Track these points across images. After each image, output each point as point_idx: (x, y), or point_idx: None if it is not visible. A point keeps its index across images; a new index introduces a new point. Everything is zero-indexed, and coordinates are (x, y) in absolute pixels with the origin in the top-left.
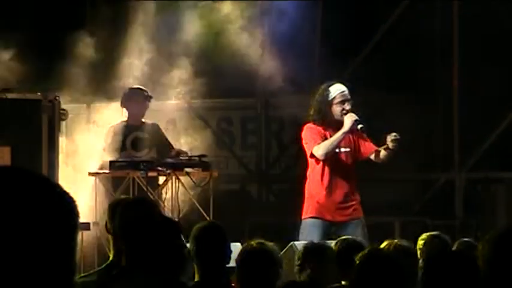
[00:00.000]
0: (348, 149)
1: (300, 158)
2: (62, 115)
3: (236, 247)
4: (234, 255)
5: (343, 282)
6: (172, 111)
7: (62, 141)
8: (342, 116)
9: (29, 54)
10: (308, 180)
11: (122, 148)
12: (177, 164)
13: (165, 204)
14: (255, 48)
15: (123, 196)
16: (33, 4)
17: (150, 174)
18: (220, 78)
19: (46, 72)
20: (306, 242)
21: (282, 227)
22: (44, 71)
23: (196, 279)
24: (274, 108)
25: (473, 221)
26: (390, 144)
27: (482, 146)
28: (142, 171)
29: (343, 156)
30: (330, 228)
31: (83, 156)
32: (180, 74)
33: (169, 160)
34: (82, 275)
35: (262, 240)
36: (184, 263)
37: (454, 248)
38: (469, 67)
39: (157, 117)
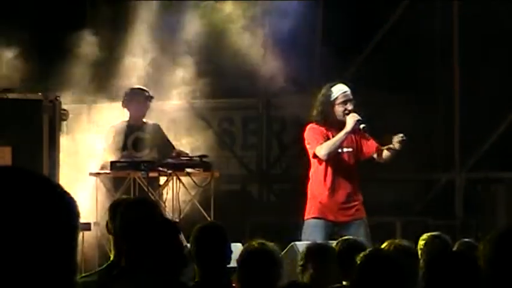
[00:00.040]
0: (350, 149)
1: (301, 158)
2: (63, 115)
3: (237, 247)
4: (235, 255)
5: (344, 283)
6: (174, 112)
7: (63, 141)
8: (344, 116)
9: (28, 54)
10: (310, 180)
11: (123, 148)
12: (178, 164)
13: (166, 204)
14: (256, 49)
15: (124, 196)
16: (33, 4)
17: (151, 174)
18: (222, 79)
19: (46, 73)
20: (307, 242)
21: (283, 227)
22: (44, 71)
23: (196, 279)
24: (275, 108)
25: (473, 221)
26: (396, 145)
27: (483, 146)
28: (143, 172)
29: (345, 157)
30: (333, 229)
31: (84, 157)
32: (182, 74)
33: (170, 160)
34: (83, 275)
35: (263, 241)
36: (184, 263)
37: (454, 248)
38: (470, 67)
39: (158, 118)
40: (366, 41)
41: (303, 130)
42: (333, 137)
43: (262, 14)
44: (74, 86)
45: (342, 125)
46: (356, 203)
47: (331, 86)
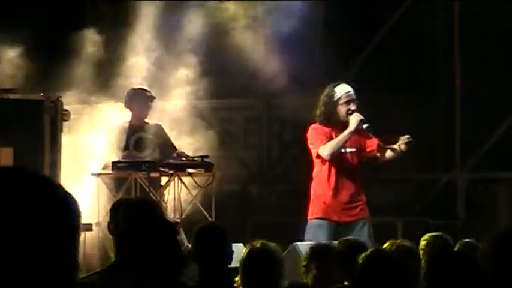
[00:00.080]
0: (353, 149)
1: (301, 159)
2: (64, 116)
3: (238, 247)
4: (236, 255)
5: (345, 283)
6: (175, 112)
7: (65, 141)
8: (347, 116)
9: (29, 54)
10: (314, 180)
11: (125, 148)
12: (179, 164)
13: (168, 205)
14: (257, 49)
15: (125, 197)
16: (34, 3)
17: (153, 174)
18: (223, 79)
19: (47, 73)
20: (309, 242)
21: (284, 228)
22: (45, 71)
23: (197, 279)
24: (276, 109)
25: (475, 221)
26: (403, 147)
27: (484, 146)
28: (144, 172)
29: (348, 157)
30: (336, 229)
31: (86, 157)
32: (183, 74)
33: (171, 161)
34: (84, 275)
35: (265, 241)
36: (183, 263)
37: (455, 249)
38: (471, 67)
39: (160, 117)
40: (368, 41)
41: (304, 130)
42: (336, 137)
43: (264, 14)
44: (76, 86)
45: (345, 125)
46: (359, 202)
47: (334, 86)
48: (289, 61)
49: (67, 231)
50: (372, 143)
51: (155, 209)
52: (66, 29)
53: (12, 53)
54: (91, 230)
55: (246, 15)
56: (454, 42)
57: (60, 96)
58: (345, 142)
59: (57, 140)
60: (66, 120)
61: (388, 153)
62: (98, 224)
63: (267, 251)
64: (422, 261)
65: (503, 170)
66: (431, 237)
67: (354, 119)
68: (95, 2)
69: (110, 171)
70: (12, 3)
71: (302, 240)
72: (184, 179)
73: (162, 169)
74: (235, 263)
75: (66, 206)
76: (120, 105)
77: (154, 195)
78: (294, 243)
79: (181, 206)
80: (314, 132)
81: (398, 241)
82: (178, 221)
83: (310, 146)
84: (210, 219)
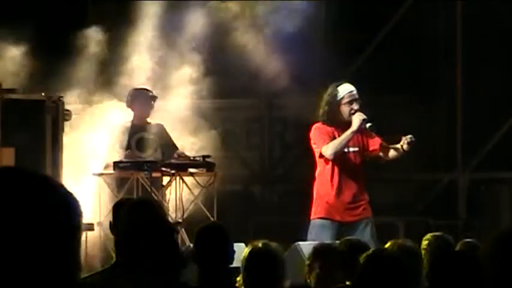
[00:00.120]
0: (356, 149)
1: (303, 159)
2: (66, 115)
3: (240, 247)
4: (238, 255)
5: (347, 283)
6: (177, 111)
7: (67, 141)
8: (350, 115)
9: (31, 53)
10: (316, 180)
11: (127, 148)
12: (181, 164)
13: (169, 204)
14: (259, 49)
15: (127, 197)
16: (35, 2)
17: (154, 174)
18: (224, 79)
19: (49, 72)
20: (311, 242)
21: (286, 227)
22: (46, 70)
23: (198, 280)
24: (277, 109)
25: (476, 221)
26: (405, 146)
27: (485, 147)
28: (146, 172)
29: (351, 156)
30: (339, 229)
31: (87, 157)
32: (185, 73)
33: (173, 160)
34: (86, 275)
35: (267, 241)
36: (182, 263)
37: (457, 248)
38: (473, 67)
39: (161, 117)
40: (369, 41)
41: (306, 130)
42: (339, 136)
43: (266, 14)
44: (78, 85)
45: (348, 124)
46: (362, 202)
47: (337, 86)
48: (291, 61)
49: (68, 231)
50: (375, 143)
51: (156, 209)
52: (67, 28)
53: (14, 52)
54: (93, 229)
55: (247, 15)
56: (455, 42)
57: (62, 96)
58: (348, 141)
59: (59, 139)
60: (67, 120)
61: (391, 153)
62: (99, 223)
63: (269, 251)
64: (424, 261)
65: (504, 170)
66: (432, 237)
67: (357, 119)
68: (97, 0)
69: (112, 171)
70: (14, 2)
71: (304, 240)
72: (186, 178)
73: (163, 169)
74: (237, 263)
75: (68, 205)
76: (122, 105)
77: (156, 195)
78: (296, 243)
79: (182, 206)
80: (317, 132)
81: (400, 241)
82: (180, 220)
83: (313, 146)
84: (211, 219)
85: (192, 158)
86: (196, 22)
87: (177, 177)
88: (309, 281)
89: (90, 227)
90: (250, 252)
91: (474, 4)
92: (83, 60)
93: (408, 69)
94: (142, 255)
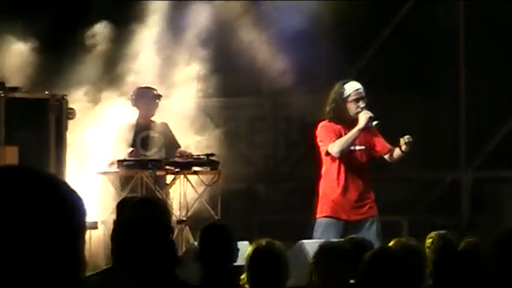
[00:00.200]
0: (362, 147)
1: (308, 157)
2: (70, 114)
3: (244, 246)
4: (242, 253)
5: (351, 281)
6: (181, 110)
7: (71, 139)
8: (356, 113)
9: (36, 50)
10: (322, 178)
11: (131, 147)
12: (185, 163)
13: (173, 203)
14: (264, 48)
15: (131, 195)
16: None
17: (158, 173)
18: (229, 77)
19: (54, 69)
20: (315, 241)
21: (290, 226)
22: (51, 68)
23: (201, 278)
24: (282, 107)
25: (480, 220)
26: (403, 147)
27: (489, 145)
28: (150, 170)
29: (358, 154)
30: (345, 228)
31: (92, 155)
32: (190, 72)
33: (177, 159)
34: (90, 273)
35: (270, 239)
36: (178, 261)
37: (460, 247)
38: (476, 66)
39: (166, 116)
40: (374, 39)
41: (311, 129)
42: (346, 134)
43: (271, 12)
44: (83, 83)
45: (354, 122)
46: (368, 201)
47: (344, 84)
48: (296, 59)
49: (72, 229)
50: (382, 144)
51: (160, 207)
52: (74, 25)
53: (22, 48)
54: (97, 228)
55: (252, 14)
56: (459, 42)
57: (65, 95)
58: (354, 140)
59: (63, 138)
60: (71, 119)
61: (396, 153)
62: (103, 222)
63: (273, 250)
64: (428, 260)
65: (508, 169)
66: (436, 236)
67: (363, 117)
68: None
69: (116, 170)
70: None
71: (309, 239)
72: (190, 177)
73: (168, 167)
74: (241, 261)
75: (72, 204)
76: (128, 103)
77: (160, 193)
78: (300, 241)
79: (187, 204)
80: (323, 130)
81: (403, 239)
82: (184, 219)
83: (320, 144)
84: (216, 217)
85: (194, 156)
86: (201, 20)
87: (181, 176)
88: (313, 278)
89: (94, 226)
90: (254, 251)
91: (477, 4)
92: (89, 57)
93: (412, 69)
94: (143, 254)
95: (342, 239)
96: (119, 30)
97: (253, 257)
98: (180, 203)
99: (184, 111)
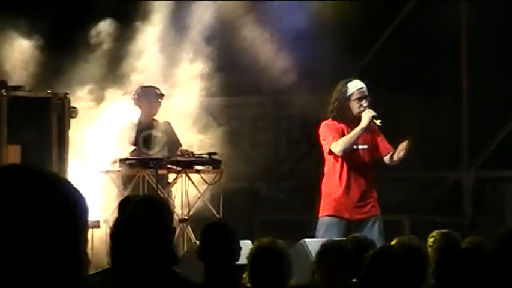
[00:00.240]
0: (365, 146)
1: (309, 156)
2: (72, 113)
3: (246, 244)
4: (244, 252)
5: (353, 280)
6: (184, 109)
7: (73, 138)
8: (359, 112)
9: (39, 48)
10: (325, 177)
11: (134, 146)
12: (187, 161)
13: (175, 202)
14: (267, 46)
15: (133, 194)
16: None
17: (160, 172)
18: (231, 76)
19: (57, 68)
20: (317, 239)
21: (292, 225)
22: (55, 66)
23: (204, 277)
24: (284, 106)
25: (482, 219)
26: (402, 153)
27: (491, 146)
28: (152, 169)
29: (361, 153)
30: (348, 227)
31: (94, 154)
32: (193, 71)
33: (179, 158)
34: (93, 272)
35: (273, 238)
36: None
37: (462, 246)
38: (477, 66)
39: (168, 115)
40: (373, 40)
41: (312, 128)
42: (348, 133)
43: (273, 11)
44: (86, 81)
45: (357, 121)
46: (371, 200)
47: (347, 82)
48: (298, 58)
49: (75, 227)
50: (384, 145)
51: (162, 206)
52: (77, 23)
53: (26, 45)
54: (99, 227)
55: (255, 12)
56: (461, 42)
57: (68, 93)
58: (357, 138)
59: (65, 137)
60: (73, 117)
61: (397, 155)
62: (106, 221)
63: (275, 248)
64: (430, 259)
65: (509, 169)
66: (438, 234)
67: (366, 115)
68: None
69: (118, 168)
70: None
71: (311, 237)
72: (192, 176)
73: (169, 166)
74: (243, 260)
75: (74, 202)
76: (130, 102)
77: (162, 192)
78: (302, 240)
79: (188, 203)
80: (326, 128)
81: (406, 238)
82: (186, 218)
83: (322, 142)
84: (217, 216)
85: (196, 155)
86: (204, 19)
87: (183, 175)
88: (316, 277)
89: (96, 224)
90: (256, 249)
91: (478, 4)
92: (92, 56)
93: (414, 68)
94: (145, 253)
95: (344, 238)
96: (122, 29)
97: (255, 256)
98: (182, 201)
99: (187, 110)
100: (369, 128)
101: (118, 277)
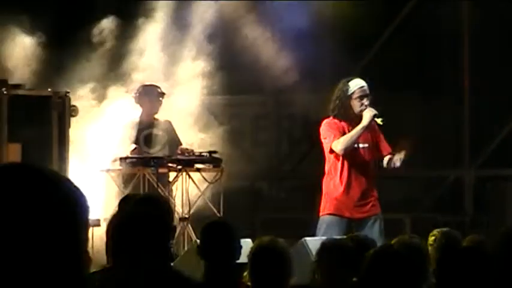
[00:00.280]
0: (366, 145)
1: (310, 155)
2: (72, 111)
3: (247, 243)
4: (245, 251)
5: (353, 279)
6: (186, 108)
7: (73, 136)
8: (360, 111)
9: (43, 45)
10: (326, 176)
11: (135, 144)
12: (187, 160)
13: (176, 200)
14: (268, 46)
15: (133, 192)
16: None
17: (161, 170)
18: (232, 75)
19: (58, 66)
20: (318, 238)
21: (293, 223)
22: (56, 65)
23: (204, 276)
24: (285, 105)
25: (483, 217)
26: (398, 163)
27: (492, 144)
28: (152, 168)
29: (362, 152)
30: (348, 225)
31: (94, 153)
32: (194, 70)
33: (180, 156)
34: (93, 271)
35: (273, 237)
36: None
37: (464, 244)
38: (479, 65)
39: (169, 113)
40: (374, 39)
41: (314, 126)
42: (350, 132)
43: (275, 10)
44: (87, 80)
45: (358, 120)
46: (371, 199)
47: (348, 81)
48: (299, 57)
49: (75, 226)
50: (385, 146)
51: (162, 204)
52: (78, 21)
53: (26, 43)
54: (99, 225)
55: (257, 12)
56: (463, 42)
57: (68, 92)
58: (359, 137)
59: (65, 135)
60: (74, 116)
61: (395, 159)
62: (106, 219)
63: (275, 247)
64: (431, 257)
65: (510, 168)
66: (439, 233)
67: (368, 114)
68: None
69: (119, 167)
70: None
71: (312, 236)
72: (193, 174)
73: (170, 165)
74: (244, 259)
75: (75, 201)
76: (131, 100)
77: (162, 191)
78: (303, 239)
79: (189, 202)
80: (327, 127)
81: (406, 237)
82: (187, 216)
83: (324, 141)
84: (218, 215)
85: (197, 153)
86: (206, 18)
87: (184, 173)
88: (316, 276)
89: (96, 223)
90: (256, 248)
91: (479, 4)
92: (94, 54)
93: (414, 68)
94: (144, 251)
95: (345, 237)
96: (124, 27)
97: (256, 255)
98: (182, 200)
99: (188, 109)
100: (370, 127)
101: (118, 276)
